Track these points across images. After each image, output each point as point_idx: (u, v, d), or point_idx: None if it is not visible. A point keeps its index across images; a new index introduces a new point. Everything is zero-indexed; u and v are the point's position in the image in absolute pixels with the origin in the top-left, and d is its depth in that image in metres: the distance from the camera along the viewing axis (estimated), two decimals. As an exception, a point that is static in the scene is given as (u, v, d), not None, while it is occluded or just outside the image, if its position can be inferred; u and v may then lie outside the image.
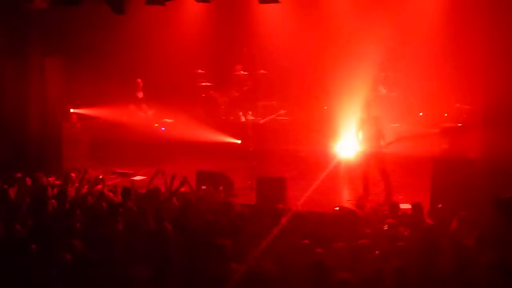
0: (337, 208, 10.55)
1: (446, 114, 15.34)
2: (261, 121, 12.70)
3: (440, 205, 10.57)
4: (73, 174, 12.17)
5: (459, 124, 12.53)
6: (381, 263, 7.89)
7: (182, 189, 11.33)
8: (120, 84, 17.56)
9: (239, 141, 14.88)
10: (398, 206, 10.47)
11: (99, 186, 11.54)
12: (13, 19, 14.28)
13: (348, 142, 14.09)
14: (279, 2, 12.94)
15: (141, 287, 7.34)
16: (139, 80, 17.51)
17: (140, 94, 17.59)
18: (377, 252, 8.20)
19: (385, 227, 9.06)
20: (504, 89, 11.45)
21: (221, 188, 12.15)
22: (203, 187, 12.04)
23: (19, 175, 11.73)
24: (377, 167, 12.61)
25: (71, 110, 16.15)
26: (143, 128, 16.49)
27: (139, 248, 8.50)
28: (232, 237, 8.52)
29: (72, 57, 15.74)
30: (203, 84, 18.22)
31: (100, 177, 12.13)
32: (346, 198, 13.18)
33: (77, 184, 11.65)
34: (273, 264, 7.63)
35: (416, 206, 10.26)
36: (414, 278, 7.45)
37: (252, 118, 15.74)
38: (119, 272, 7.52)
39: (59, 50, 15.23)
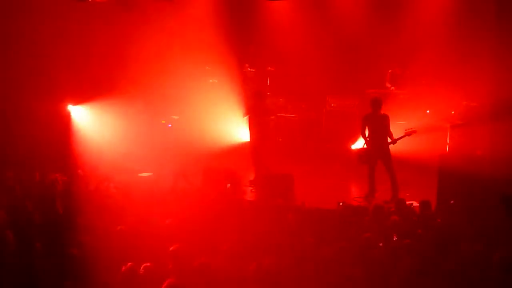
0: (341, 204, 10.53)
1: (453, 112, 15.31)
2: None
3: (452, 201, 10.50)
4: (80, 171, 12.22)
5: (466, 122, 12.48)
6: (389, 260, 7.90)
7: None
8: (126, 79, 17.60)
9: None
10: (405, 203, 10.46)
11: (106, 183, 11.57)
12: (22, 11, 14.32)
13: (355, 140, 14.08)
14: (287, -1, 12.96)
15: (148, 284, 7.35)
16: None
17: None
18: (380, 244, 8.20)
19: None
20: (511, 86, 11.41)
21: (228, 185, 12.18)
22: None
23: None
24: (384, 165, 12.60)
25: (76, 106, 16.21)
26: (150, 125, 16.52)
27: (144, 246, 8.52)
28: (237, 234, 8.54)
29: (78, 52, 15.74)
30: (210, 81, 18.21)
31: (107, 174, 12.12)
32: (352, 195, 13.19)
33: (85, 181, 11.69)
34: (279, 261, 7.65)
35: (424, 204, 10.25)
36: (422, 276, 7.45)
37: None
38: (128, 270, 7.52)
39: (68, 45, 15.25)
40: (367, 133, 12.68)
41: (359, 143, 13.20)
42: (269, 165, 13.66)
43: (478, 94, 14.20)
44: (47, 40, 14.74)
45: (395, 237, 8.87)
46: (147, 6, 14.95)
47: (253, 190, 13.27)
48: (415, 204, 10.70)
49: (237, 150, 15.48)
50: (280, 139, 16.81)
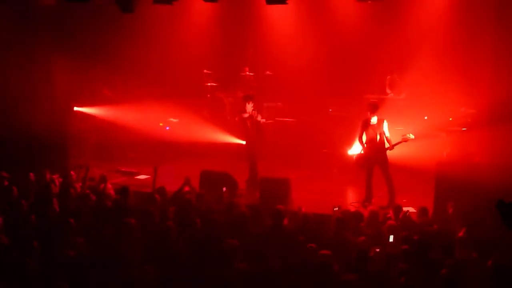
0: (336, 209, 10.50)
1: (450, 118, 15.30)
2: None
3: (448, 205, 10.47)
4: (72, 172, 12.21)
5: (464, 128, 12.47)
6: (386, 265, 7.89)
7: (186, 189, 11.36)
8: (126, 82, 17.61)
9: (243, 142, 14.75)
10: (401, 209, 10.45)
11: (103, 185, 11.55)
12: (22, 15, 14.28)
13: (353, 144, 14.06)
14: (286, 3, 12.93)
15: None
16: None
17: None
18: (377, 249, 8.19)
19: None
20: (509, 93, 11.42)
21: (224, 188, 12.16)
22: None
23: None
24: (381, 170, 12.59)
25: (76, 109, 16.20)
26: (148, 127, 16.50)
27: (144, 248, 8.51)
28: (235, 237, 8.53)
29: (78, 55, 15.74)
30: (209, 84, 18.21)
31: (104, 175, 12.10)
32: (349, 200, 13.18)
33: (80, 182, 11.66)
34: (277, 265, 7.65)
35: (422, 211, 10.24)
36: (419, 281, 7.44)
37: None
38: (124, 272, 7.51)
39: (66, 47, 15.24)
40: (364, 138, 12.67)
41: (357, 148, 13.18)
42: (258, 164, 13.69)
43: (476, 101, 14.21)
44: (47, 41, 14.74)
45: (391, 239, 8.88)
46: (147, 9, 14.92)
47: (246, 191, 13.30)
48: (412, 210, 10.69)
49: (233, 153, 15.45)
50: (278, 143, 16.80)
